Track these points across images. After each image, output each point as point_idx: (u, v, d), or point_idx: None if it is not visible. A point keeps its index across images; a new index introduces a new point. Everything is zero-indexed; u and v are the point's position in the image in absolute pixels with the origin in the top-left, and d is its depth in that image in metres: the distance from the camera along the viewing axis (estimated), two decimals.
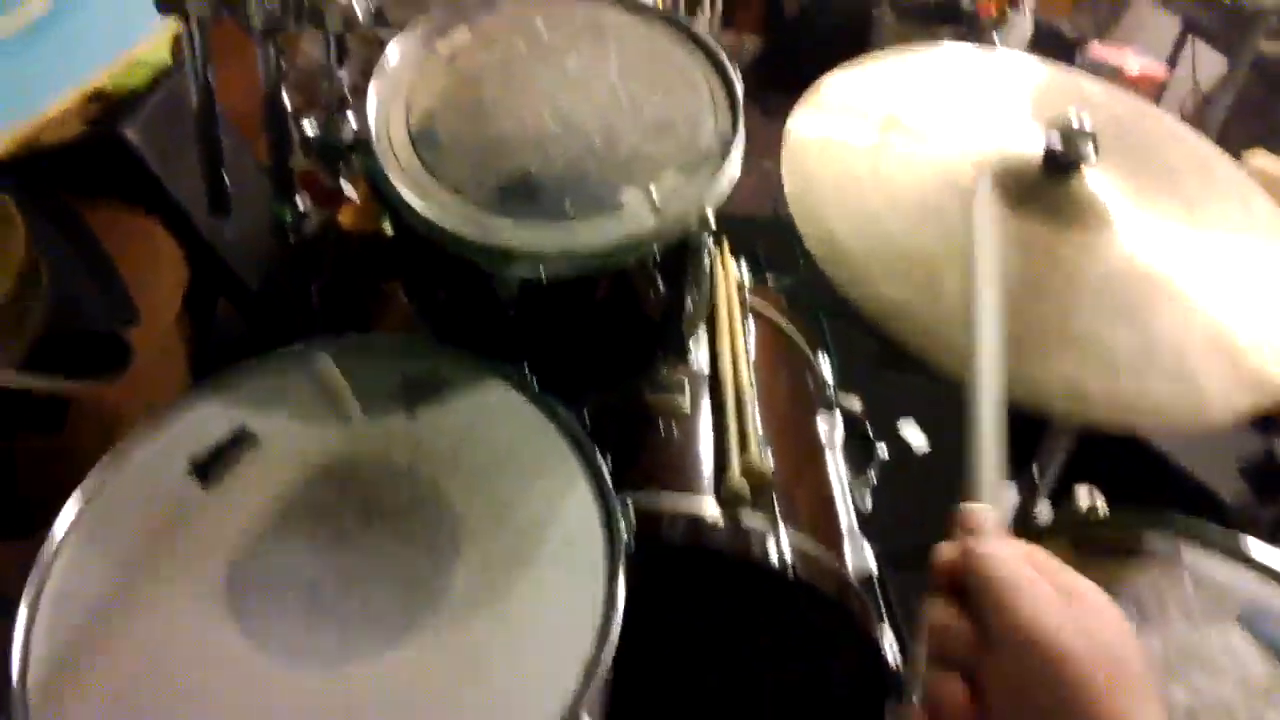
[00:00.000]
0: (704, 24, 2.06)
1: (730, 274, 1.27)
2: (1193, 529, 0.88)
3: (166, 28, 1.40)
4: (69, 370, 1.17)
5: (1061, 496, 1.01)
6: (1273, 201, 0.97)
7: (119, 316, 1.27)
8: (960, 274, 0.81)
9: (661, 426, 1.05)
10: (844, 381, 1.34)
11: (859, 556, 1.05)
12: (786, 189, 0.91)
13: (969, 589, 0.46)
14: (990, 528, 0.48)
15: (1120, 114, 1.02)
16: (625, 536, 0.77)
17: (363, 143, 0.90)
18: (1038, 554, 0.47)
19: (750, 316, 1.25)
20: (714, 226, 0.89)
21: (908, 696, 0.98)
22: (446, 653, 0.70)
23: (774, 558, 0.93)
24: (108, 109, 1.36)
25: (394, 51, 0.97)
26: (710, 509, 0.96)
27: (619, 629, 0.71)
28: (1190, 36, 2.64)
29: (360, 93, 0.92)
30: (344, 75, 0.90)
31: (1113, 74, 2.68)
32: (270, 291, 1.53)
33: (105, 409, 1.21)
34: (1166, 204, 0.92)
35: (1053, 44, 2.79)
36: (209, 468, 0.80)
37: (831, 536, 1.05)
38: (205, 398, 0.86)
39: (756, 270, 1.39)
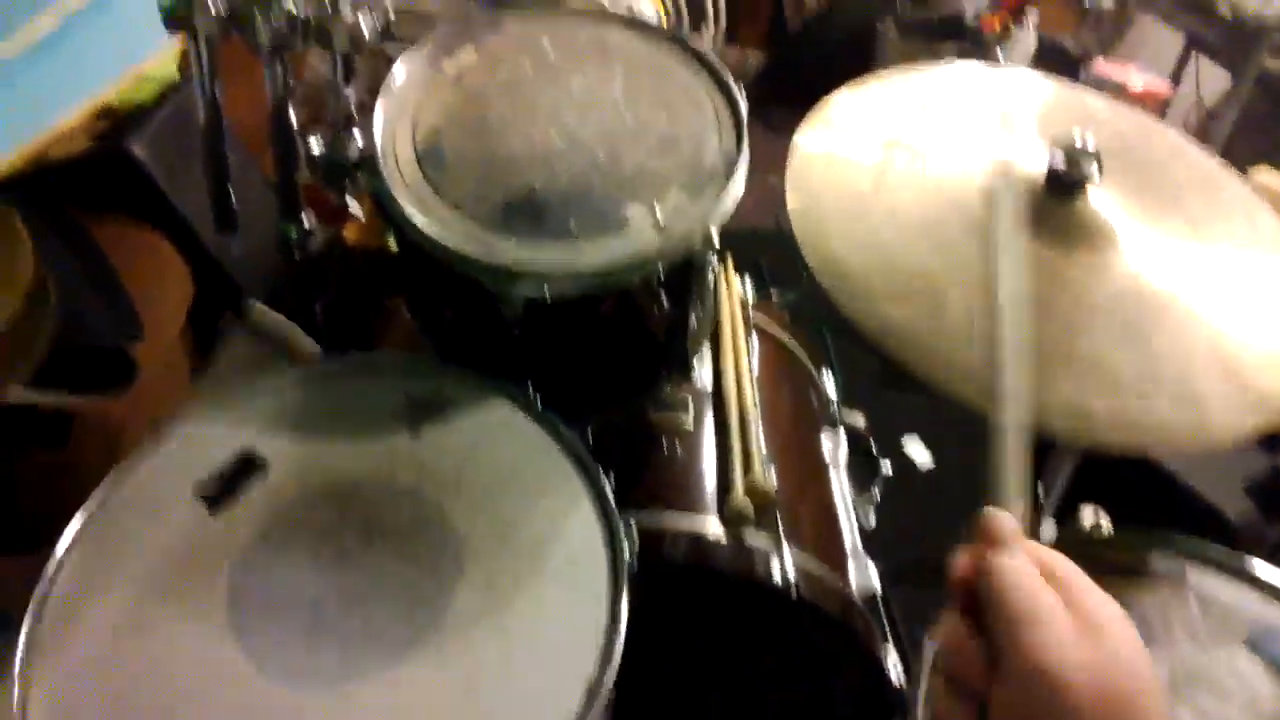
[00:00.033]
0: (708, 39, 2.06)
1: (734, 290, 1.27)
2: (1198, 550, 0.87)
3: (174, 43, 1.40)
4: (74, 385, 1.17)
5: (1066, 516, 1.01)
6: (1278, 217, 0.97)
7: (124, 332, 1.27)
8: (962, 293, 0.82)
9: (665, 445, 1.04)
10: (848, 397, 1.34)
11: (863, 575, 1.04)
12: (790, 206, 0.91)
13: (982, 602, 0.45)
14: (1010, 535, 0.47)
15: (1125, 130, 1.02)
16: (628, 556, 0.77)
17: (368, 160, 0.90)
18: (1058, 563, 0.47)
19: (754, 333, 1.25)
20: (718, 245, 0.89)
21: (912, 716, 0.98)
22: (448, 672, 0.70)
23: (777, 577, 0.93)
24: (115, 125, 1.36)
25: (400, 71, 0.98)
26: (714, 528, 0.96)
27: (622, 649, 0.71)
28: (1194, 52, 2.63)
29: (367, 110, 0.92)
30: (351, 93, 0.91)
31: (1116, 90, 2.68)
32: (276, 307, 1.53)
33: (110, 424, 1.20)
34: (1172, 221, 0.92)
35: (1056, 60, 2.79)
36: (219, 499, 0.79)
37: (835, 556, 1.05)
38: (208, 414, 0.86)
39: (760, 285, 1.39)
